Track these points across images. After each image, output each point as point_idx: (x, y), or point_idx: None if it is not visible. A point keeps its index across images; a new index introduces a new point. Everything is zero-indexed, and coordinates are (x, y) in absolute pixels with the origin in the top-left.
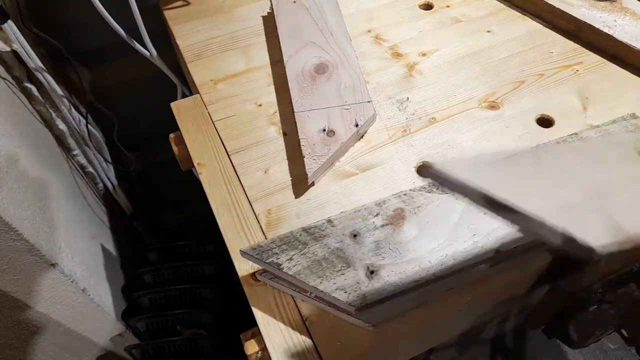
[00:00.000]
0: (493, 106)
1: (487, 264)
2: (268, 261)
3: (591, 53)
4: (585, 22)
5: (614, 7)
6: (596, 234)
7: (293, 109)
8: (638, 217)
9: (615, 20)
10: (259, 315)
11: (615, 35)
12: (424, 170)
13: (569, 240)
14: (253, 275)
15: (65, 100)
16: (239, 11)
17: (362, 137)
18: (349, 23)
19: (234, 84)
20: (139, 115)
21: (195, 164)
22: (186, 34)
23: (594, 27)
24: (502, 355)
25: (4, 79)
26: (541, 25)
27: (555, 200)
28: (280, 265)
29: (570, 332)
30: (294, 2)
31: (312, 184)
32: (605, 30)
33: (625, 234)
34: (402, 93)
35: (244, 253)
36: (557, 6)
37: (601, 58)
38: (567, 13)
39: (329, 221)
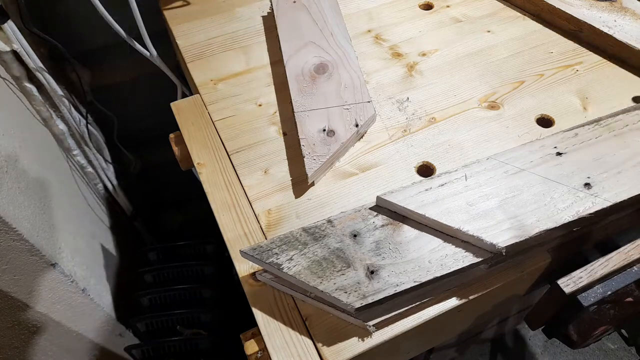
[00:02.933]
0: (493, 106)
1: (487, 264)
2: (268, 261)
3: (591, 53)
4: (585, 22)
5: (614, 7)
6: (501, 232)
7: (293, 109)
8: (534, 214)
9: (615, 20)
10: (259, 315)
11: (615, 35)
12: (378, 199)
13: (479, 241)
14: (253, 275)
15: (65, 100)
16: (239, 11)
17: (362, 137)
18: (349, 23)
19: (234, 84)
20: (139, 115)
21: (195, 164)
22: (186, 34)
23: (594, 27)
24: (502, 355)
25: (4, 79)
26: (541, 25)
27: (475, 211)
28: (280, 265)
29: (570, 332)
30: (294, 2)
31: (312, 184)
32: (605, 30)
33: (524, 229)
34: (402, 93)
35: (244, 253)
36: (557, 6)
37: (601, 58)
38: (567, 13)
39: (329, 221)
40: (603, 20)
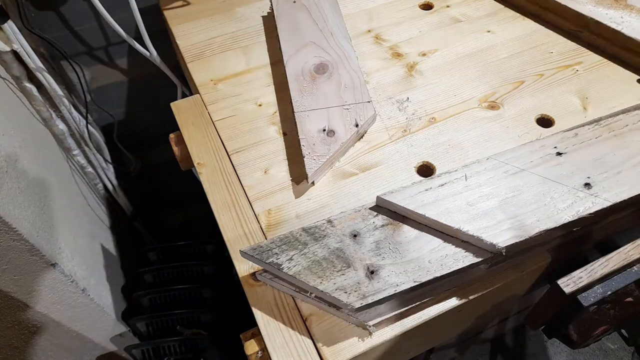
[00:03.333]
0: (493, 106)
1: (487, 264)
2: (268, 261)
3: (591, 53)
4: (592, 18)
5: (619, 5)
6: (501, 232)
7: (293, 109)
8: (534, 214)
9: (622, 17)
10: (259, 315)
11: (623, 31)
12: (378, 199)
13: (479, 240)
14: (253, 275)
15: (65, 100)
16: (239, 11)
17: (362, 137)
18: (349, 23)
19: (234, 84)
20: (139, 115)
21: (195, 164)
22: (186, 34)
23: (601, 23)
24: (502, 355)
25: (4, 79)
26: (541, 25)
27: (475, 211)
28: (280, 265)
29: (570, 332)
30: (294, 2)
31: (312, 184)
32: (613, 26)
33: (524, 229)
34: (402, 93)
35: (244, 253)
36: (562, 2)
37: (601, 58)
38: (572, 10)
39: (329, 221)
40: (610, 16)
